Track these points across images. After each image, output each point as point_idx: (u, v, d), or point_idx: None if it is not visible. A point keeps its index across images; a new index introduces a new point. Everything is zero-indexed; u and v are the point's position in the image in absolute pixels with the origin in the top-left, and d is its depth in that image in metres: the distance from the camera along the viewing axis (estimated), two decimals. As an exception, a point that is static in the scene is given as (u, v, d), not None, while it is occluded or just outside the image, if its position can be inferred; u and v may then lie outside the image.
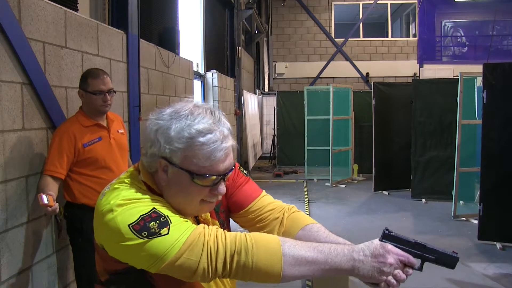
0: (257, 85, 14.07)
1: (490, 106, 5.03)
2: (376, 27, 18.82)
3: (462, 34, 16.10)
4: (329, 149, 8.92)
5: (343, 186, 8.95)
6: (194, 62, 6.41)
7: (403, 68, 15.81)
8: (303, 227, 1.35)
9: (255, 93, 13.10)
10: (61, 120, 2.76)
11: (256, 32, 13.01)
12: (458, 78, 6.24)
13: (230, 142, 1.14)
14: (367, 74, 15.98)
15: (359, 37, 16.33)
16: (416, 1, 15.96)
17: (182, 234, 1.06)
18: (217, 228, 1.12)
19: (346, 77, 16.06)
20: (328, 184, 8.93)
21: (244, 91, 10.27)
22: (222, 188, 1.16)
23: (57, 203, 2.30)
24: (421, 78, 14.66)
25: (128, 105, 3.86)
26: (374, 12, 16.85)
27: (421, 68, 15.74)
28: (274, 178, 9.84)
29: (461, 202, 6.79)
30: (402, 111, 7.93)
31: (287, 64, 16.38)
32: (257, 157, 11.85)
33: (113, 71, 3.59)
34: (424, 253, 1.15)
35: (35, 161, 2.54)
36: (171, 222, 1.07)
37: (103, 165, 2.66)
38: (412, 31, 16.87)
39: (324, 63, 16.21)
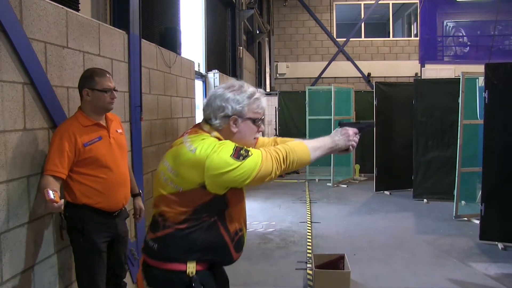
0: (259, 85, 14.06)
1: (491, 106, 5.02)
2: (378, 27, 18.80)
3: (464, 34, 16.08)
4: (331, 149, 8.90)
5: (345, 186, 8.95)
6: (195, 62, 6.41)
7: (405, 68, 15.78)
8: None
9: (257, 93, 13.07)
10: (63, 120, 2.76)
11: (258, 32, 13.01)
12: (459, 78, 6.23)
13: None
14: (369, 74, 15.96)
15: (360, 37, 16.31)
16: (418, 1, 15.94)
17: (258, 154, 1.77)
18: (270, 147, 1.88)
19: (347, 77, 16.05)
20: (330, 184, 8.93)
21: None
22: (263, 126, 1.96)
23: (63, 200, 2.30)
24: (422, 78, 14.63)
25: (129, 105, 3.86)
26: (375, 12, 16.82)
27: (422, 68, 15.72)
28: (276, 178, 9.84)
29: (463, 202, 6.78)
30: (404, 111, 7.93)
31: (289, 64, 16.37)
32: (259, 157, 11.82)
33: (115, 71, 3.59)
34: (360, 126, 2.06)
35: (36, 161, 2.55)
36: (249, 149, 1.78)
37: (104, 164, 2.65)
38: (413, 31, 16.84)
39: (326, 63, 16.20)
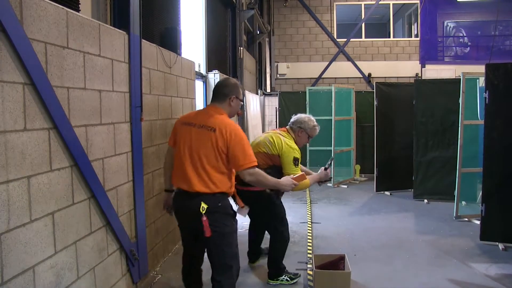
0: (259, 86, 14.06)
1: (492, 106, 5.02)
2: (378, 28, 18.81)
3: (464, 34, 16.09)
4: (331, 150, 8.91)
5: (345, 186, 8.94)
6: (196, 62, 6.41)
7: (405, 68, 15.79)
8: None
9: (257, 94, 13.09)
10: (63, 121, 2.76)
11: (258, 33, 13.01)
12: (460, 78, 6.23)
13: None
14: (369, 74, 15.96)
15: (361, 37, 16.31)
16: (418, 1, 15.94)
17: (299, 170, 3.93)
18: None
19: (348, 78, 16.05)
20: (330, 185, 8.92)
21: (246, 92, 10.26)
22: (309, 140, 4.32)
23: None
24: (423, 78, 14.64)
25: (130, 106, 3.86)
26: (376, 12, 16.83)
27: (423, 68, 15.73)
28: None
29: (463, 202, 6.78)
30: (404, 112, 7.92)
31: (289, 64, 16.38)
32: (259, 157, 11.80)
33: (115, 71, 3.59)
34: (328, 166, 4.05)
35: (36, 161, 2.54)
36: (299, 163, 3.98)
37: None
38: (414, 32, 16.84)
39: (326, 63, 16.20)
